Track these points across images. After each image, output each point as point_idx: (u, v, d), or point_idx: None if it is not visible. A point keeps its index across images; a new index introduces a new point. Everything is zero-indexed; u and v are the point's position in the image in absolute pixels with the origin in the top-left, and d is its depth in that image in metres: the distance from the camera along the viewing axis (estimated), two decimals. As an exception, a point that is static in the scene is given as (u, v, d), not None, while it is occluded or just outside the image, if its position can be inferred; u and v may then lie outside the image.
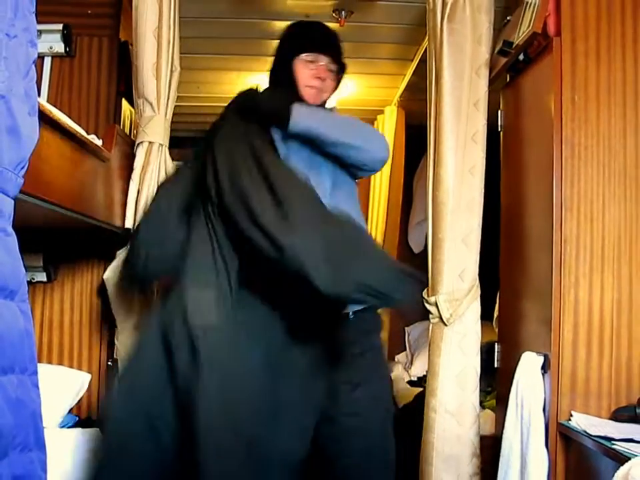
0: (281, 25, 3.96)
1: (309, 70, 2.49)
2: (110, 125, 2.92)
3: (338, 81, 2.60)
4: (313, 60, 2.50)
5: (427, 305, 2.93)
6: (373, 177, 5.31)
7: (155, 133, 2.91)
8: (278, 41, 2.62)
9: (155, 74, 2.88)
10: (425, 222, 3.07)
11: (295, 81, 2.49)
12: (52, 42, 3.13)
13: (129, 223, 2.90)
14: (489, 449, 2.86)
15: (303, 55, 2.49)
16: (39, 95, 2.61)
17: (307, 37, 2.54)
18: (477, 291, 2.87)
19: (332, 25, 3.83)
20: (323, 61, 2.51)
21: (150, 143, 2.91)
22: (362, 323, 2.44)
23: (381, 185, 5.28)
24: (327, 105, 2.64)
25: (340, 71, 2.58)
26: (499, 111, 3.06)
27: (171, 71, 2.93)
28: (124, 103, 3.31)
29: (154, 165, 2.90)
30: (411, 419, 3.47)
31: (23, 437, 1.25)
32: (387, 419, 2.52)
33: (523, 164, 2.79)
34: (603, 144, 2.41)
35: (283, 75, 2.51)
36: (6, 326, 1.21)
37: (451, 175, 2.87)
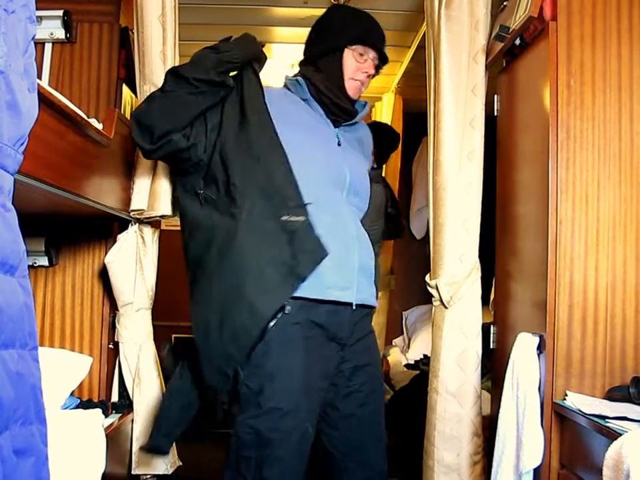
0: (280, 11, 4.00)
1: (357, 63, 2.44)
2: (110, 109, 2.93)
3: (375, 75, 2.57)
4: (363, 53, 2.44)
5: (428, 288, 2.97)
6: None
7: None
8: (323, 20, 2.56)
9: (162, 60, 2.90)
10: (426, 208, 3.09)
11: (341, 70, 2.43)
12: (52, 28, 3.13)
13: (135, 206, 2.92)
14: (485, 429, 2.90)
15: (355, 46, 2.43)
16: (40, 80, 2.63)
17: (361, 28, 2.47)
18: (477, 274, 2.90)
19: (331, 12, 3.88)
20: (372, 55, 2.47)
21: None
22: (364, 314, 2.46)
23: (378, 171, 5.29)
24: None
25: (381, 66, 2.55)
26: (496, 96, 3.07)
27: (175, 58, 2.95)
28: (124, 88, 3.32)
29: None
30: (407, 401, 3.52)
31: (24, 411, 1.26)
32: (380, 394, 2.54)
33: (519, 148, 2.80)
34: (598, 127, 2.43)
35: (329, 62, 2.44)
36: (6, 301, 1.22)
37: (450, 160, 2.89)
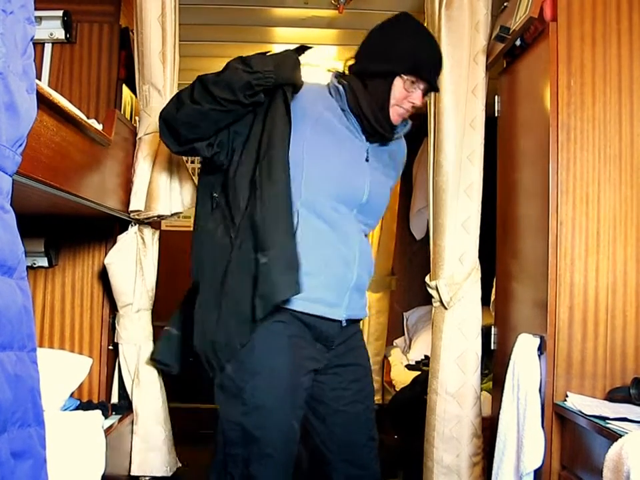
0: (281, 12, 4.00)
1: (406, 91, 2.30)
2: (110, 110, 2.93)
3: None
4: (415, 82, 2.30)
5: (428, 289, 2.98)
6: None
7: None
8: (385, 34, 2.37)
9: (162, 60, 2.90)
10: (427, 208, 3.09)
11: (388, 94, 2.30)
12: (52, 28, 3.13)
13: (133, 207, 2.92)
14: (486, 430, 2.90)
15: (408, 76, 2.28)
16: (39, 81, 2.63)
17: (420, 60, 2.30)
18: (476, 275, 2.91)
19: (331, 12, 3.88)
20: (422, 86, 2.32)
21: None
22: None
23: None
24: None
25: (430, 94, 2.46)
26: (496, 97, 3.07)
27: (175, 58, 2.95)
28: (124, 89, 3.32)
29: (165, 157, 2.93)
30: (408, 401, 3.52)
31: (22, 413, 1.25)
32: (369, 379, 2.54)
33: (519, 148, 2.80)
34: (599, 128, 2.43)
35: (378, 84, 2.30)
36: (4, 302, 1.21)
37: (450, 161, 2.90)
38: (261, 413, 2.16)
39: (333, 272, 2.25)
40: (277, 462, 2.18)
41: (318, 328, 2.25)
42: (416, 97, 2.32)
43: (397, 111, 2.33)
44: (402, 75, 2.28)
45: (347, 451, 2.36)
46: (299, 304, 2.19)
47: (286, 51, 2.25)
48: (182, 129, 2.22)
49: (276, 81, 2.15)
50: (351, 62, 2.40)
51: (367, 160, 2.36)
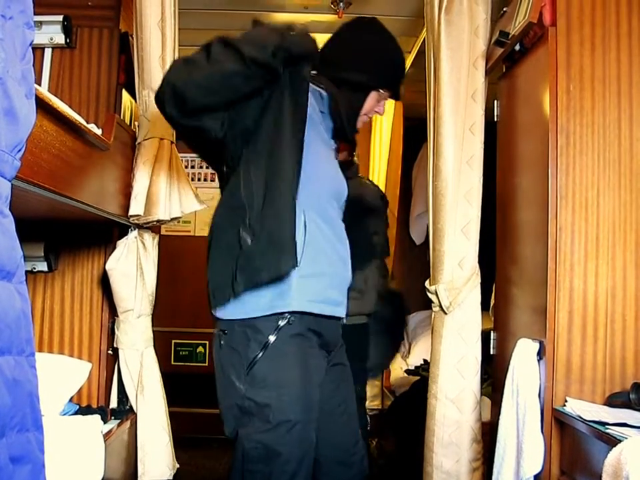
0: (280, 17, 4.00)
1: (376, 103, 2.36)
2: (109, 114, 2.93)
3: None
4: (389, 95, 2.38)
5: (428, 294, 2.97)
6: (372, 168, 5.33)
7: (165, 129, 2.93)
8: (361, 43, 2.38)
9: (161, 65, 2.90)
10: (426, 213, 3.09)
11: (362, 105, 2.34)
12: (52, 33, 3.13)
13: (132, 212, 2.92)
14: (486, 435, 2.89)
15: (385, 90, 2.35)
16: (40, 86, 2.63)
17: (395, 74, 2.39)
18: (476, 280, 2.90)
19: (330, 17, 3.89)
20: (388, 96, 2.39)
21: (161, 139, 2.94)
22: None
23: (378, 177, 5.29)
24: None
25: None
26: (495, 101, 3.07)
27: (174, 63, 2.96)
28: (124, 93, 3.32)
29: (165, 162, 2.93)
30: (407, 406, 3.52)
31: (20, 418, 1.25)
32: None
33: (519, 153, 2.80)
34: (598, 133, 2.43)
35: (355, 96, 2.33)
36: (3, 307, 1.21)
37: (450, 165, 2.89)
38: (284, 429, 2.11)
39: (335, 270, 2.24)
40: (299, 477, 2.17)
41: (326, 335, 2.25)
42: (381, 106, 2.39)
43: (363, 120, 2.39)
44: (379, 90, 2.33)
45: (338, 453, 2.35)
46: (315, 306, 2.17)
47: (303, 27, 2.13)
48: (195, 93, 1.98)
49: (302, 50, 2.05)
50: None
51: (336, 158, 2.40)
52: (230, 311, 2.12)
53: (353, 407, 2.41)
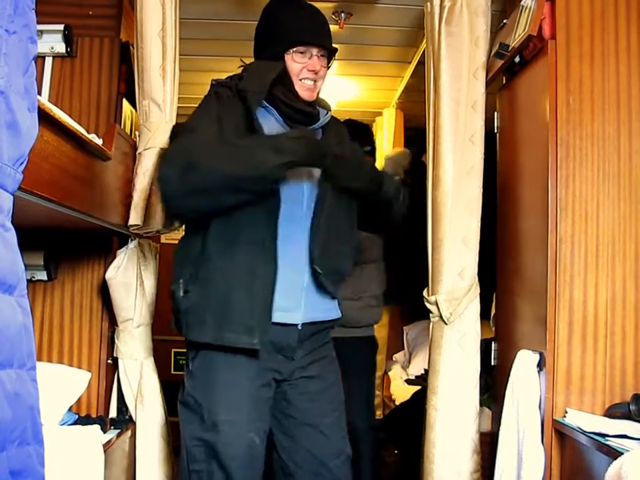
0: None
1: (300, 63, 2.33)
2: (110, 124, 2.93)
3: (329, 67, 2.44)
4: (304, 52, 2.33)
5: (427, 304, 2.96)
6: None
7: (166, 139, 2.92)
8: (262, 23, 2.44)
9: (162, 75, 2.90)
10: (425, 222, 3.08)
11: (288, 75, 2.33)
12: (53, 42, 3.12)
13: (132, 222, 2.92)
14: (486, 446, 2.89)
15: (293, 48, 2.32)
16: (40, 95, 2.63)
17: (296, 28, 2.34)
18: (476, 290, 2.90)
19: (332, 28, 3.88)
20: (315, 51, 2.34)
21: (161, 149, 2.94)
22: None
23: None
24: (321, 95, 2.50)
25: (330, 56, 2.42)
26: (496, 113, 3.08)
27: (175, 73, 2.95)
28: (125, 103, 3.32)
29: None
30: (408, 416, 3.51)
31: (21, 431, 1.25)
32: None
33: (519, 165, 2.81)
34: (597, 145, 2.44)
35: (272, 67, 2.33)
36: (4, 321, 1.21)
37: (450, 175, 2.89)
38: (219, 428, 2.16)
39: (284, 275, 2.21)
40: (240, 477, 2.17)
41: (276, 340, 2.24)
42: (312, 63, 2.34)
43: (302, 86, 2.35)
44: (288, 52, 2.33)
45: (315, 465, 2.33)
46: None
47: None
48: (184, 202, 2.18)
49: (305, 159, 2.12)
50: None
51: None
52: None
53: (333, 419, 2.40)
